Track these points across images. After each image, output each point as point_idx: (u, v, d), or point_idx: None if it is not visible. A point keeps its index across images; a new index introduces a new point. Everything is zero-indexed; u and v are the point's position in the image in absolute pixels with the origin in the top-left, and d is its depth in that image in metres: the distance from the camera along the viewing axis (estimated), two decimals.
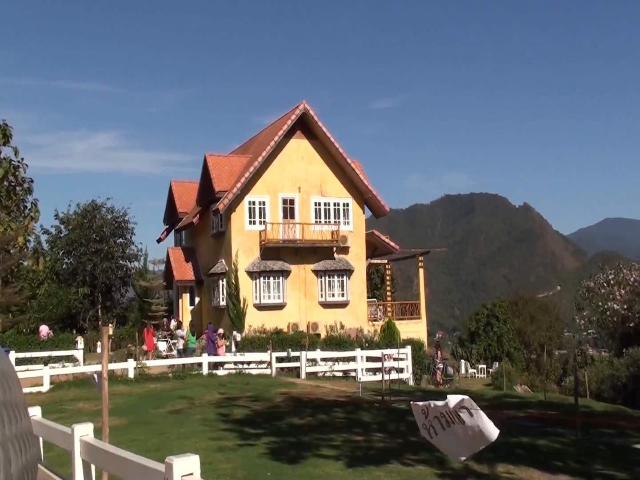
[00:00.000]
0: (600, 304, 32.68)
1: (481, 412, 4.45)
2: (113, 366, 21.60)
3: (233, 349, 26.76)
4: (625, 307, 31.45)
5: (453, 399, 4.51)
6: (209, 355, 24.85)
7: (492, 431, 4.35)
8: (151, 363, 22.49)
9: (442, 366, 27.89)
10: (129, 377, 20.70)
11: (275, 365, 24.34)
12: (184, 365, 23.58)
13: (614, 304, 31.73)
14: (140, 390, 18.42)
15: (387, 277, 39.69)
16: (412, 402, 4.73)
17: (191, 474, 4.24)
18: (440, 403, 4.52)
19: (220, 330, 28.52)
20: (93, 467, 6.11)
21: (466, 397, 4.56)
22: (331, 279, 35.21)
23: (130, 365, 21.21)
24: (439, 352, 29.97)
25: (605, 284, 34.01)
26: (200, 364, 23.22)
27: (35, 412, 7.58)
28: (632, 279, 34.40)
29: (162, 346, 25.77)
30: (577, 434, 12.92)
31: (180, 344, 27.31)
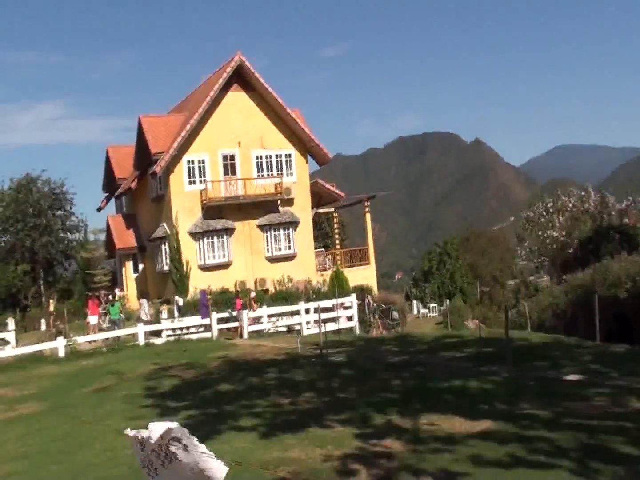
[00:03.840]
0: (540, 233, 32.64)
1: (199, 445, 3.01)
2: (41, 346, 20.70)
3: (176, 314, 25.97)
4: (564, 233, 31.47)
5: (155, 430, 3.03)
6: (202, 319, 24.02)
7: (217, 472, 2.99)
8: (82, 339, 21.59)
9: (375, 312, 27.62)
10: (59, 356, 19.84)
11: (216, 327, 23.70)
12: (118, 337, 22.75)
13: (553, 232, 31.72)
14: (70, 369, 17.64)
15: (335, 226, 39.20)
16: (127, 432, 3.16)
17: None
18: (145, 434, 3.04)
19: (253, 294, 27.20)
20: None
21: (175, 425, 3.06)
22: (277, 232, 34.50)
23: (59, 344, 20.28)
24: (368, 299, 29.64)
25: (544, 213, 33.96)
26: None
27: None
28: (570, 205, 34.46)
29: (93, 320, 24.68)
30: (508, 371, 12.75)
31: (143, 314, 26.26)
